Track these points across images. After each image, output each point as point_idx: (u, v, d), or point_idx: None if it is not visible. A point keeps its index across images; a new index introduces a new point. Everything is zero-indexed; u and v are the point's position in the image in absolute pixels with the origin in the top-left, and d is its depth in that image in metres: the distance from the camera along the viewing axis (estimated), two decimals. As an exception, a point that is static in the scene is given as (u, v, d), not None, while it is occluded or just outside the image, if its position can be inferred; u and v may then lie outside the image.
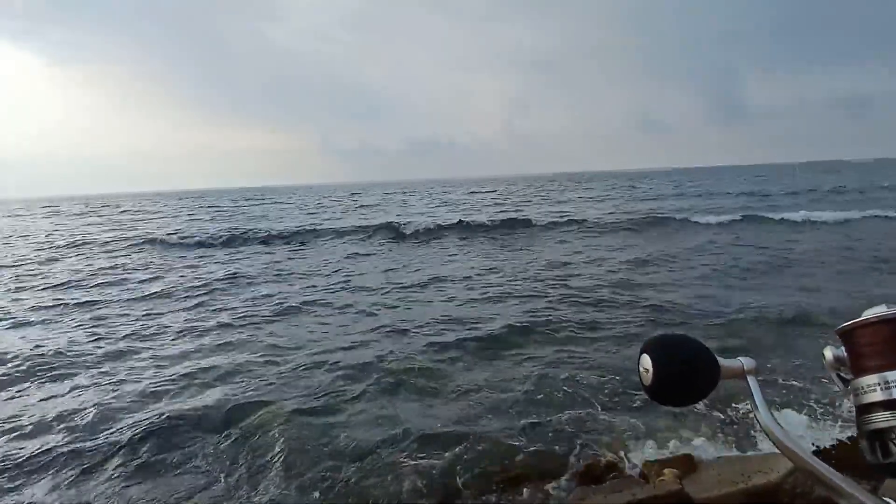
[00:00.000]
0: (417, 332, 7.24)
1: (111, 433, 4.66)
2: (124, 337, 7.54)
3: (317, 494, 3.70)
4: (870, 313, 0.49)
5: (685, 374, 0.44)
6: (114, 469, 4.15)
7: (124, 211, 42.63)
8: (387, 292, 9.85)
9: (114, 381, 5.87)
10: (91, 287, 11.52)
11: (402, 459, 4.04)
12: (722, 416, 4.29)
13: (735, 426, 4.16)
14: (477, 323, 7.52)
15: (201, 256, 15.86)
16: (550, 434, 4.32)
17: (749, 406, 0.47)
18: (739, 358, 0.44)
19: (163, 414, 4.89)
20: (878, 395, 0.47)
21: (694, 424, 4.21)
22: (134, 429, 4.67)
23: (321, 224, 23.27)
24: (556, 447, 4.10)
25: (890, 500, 0.40)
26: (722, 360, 0.45)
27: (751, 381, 0.44)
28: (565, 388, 5.13)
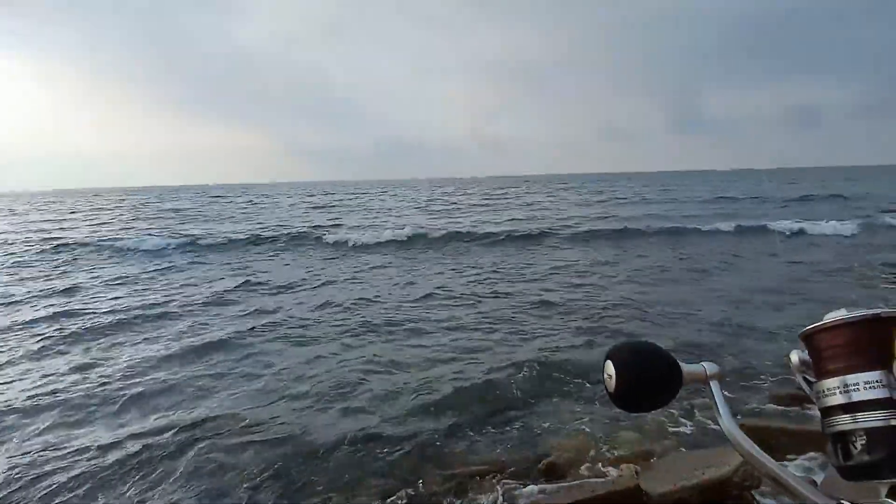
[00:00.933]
0: (375, 332, 7.19)
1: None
2: None
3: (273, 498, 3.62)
4: (830, 317, 0.49)
5: (648, 381, 0.44)
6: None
7: (73, 211, 39.97)
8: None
9: None
10: None
11: (355, 460, 4.01)
12: (677, 412, 4.42)
13: (691, 423, 4.30)
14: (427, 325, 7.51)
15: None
16: (512, 432, 4.36)
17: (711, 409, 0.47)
18: (702, 363, 0.45)
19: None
20: (838, 399, 0.48)
21: (652, 422, 4.33)
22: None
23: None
24: (518, 445, 4.14)
25: (845, 502, 0.41)
26: (684, 366, 0.45)
27: (713, 385, 0.44)
28: (525, 386, 5.19)
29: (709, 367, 0.44)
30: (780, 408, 4.49)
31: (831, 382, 0.48)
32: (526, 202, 35.77)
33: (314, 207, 35.75)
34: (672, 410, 4.46)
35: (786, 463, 3.60)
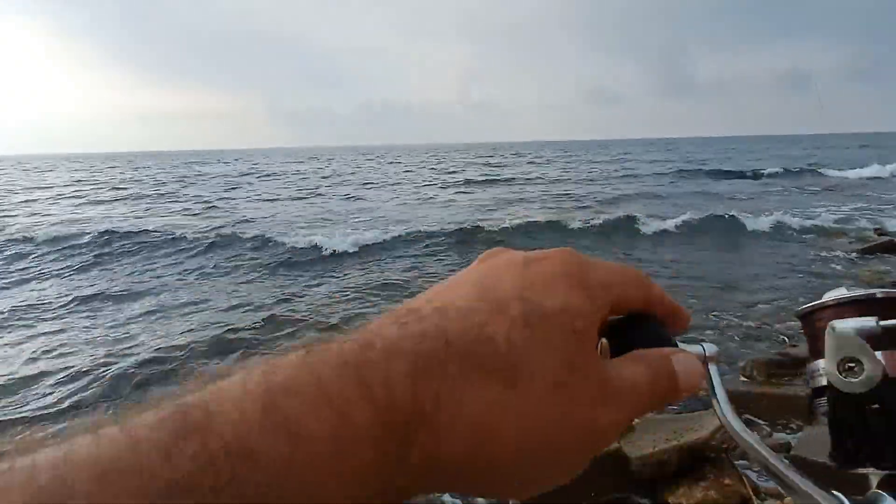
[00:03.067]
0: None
1: None
2: None
3: None
4: (829, 296, 0.48)
5: None
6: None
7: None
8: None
9: None
10: None
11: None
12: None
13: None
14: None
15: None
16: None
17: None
18: (702, 343, 0.42)
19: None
20: (824, 380, 0.46)
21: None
22: None
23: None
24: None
25: (839, 494, 0.39)
26: (682, 345, 0.43)
27: (711, 368, 0.42)
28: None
29: (708, 348, 0.42)
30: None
31: (823, 363, 0.46)
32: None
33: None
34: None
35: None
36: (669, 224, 11.89)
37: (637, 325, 0.37)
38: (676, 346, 0.39)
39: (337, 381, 0.25)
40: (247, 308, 7.03)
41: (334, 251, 10.35)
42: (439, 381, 0.26)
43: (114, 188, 27.19)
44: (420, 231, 11.89)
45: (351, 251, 10.40)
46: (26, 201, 22.39)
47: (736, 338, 5.54)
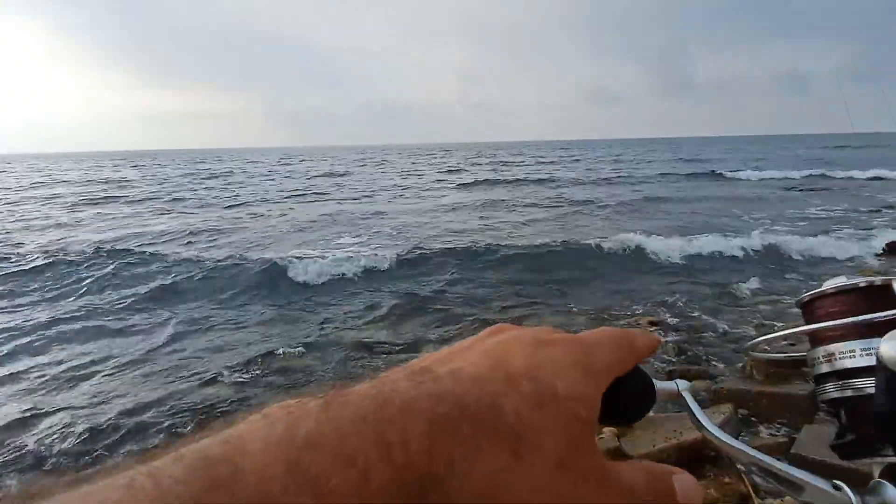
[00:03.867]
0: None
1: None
2: None
3: None
4: (829, 285, 0.49)
5: (626, 401, 0.43)
6: None
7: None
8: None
9: None
10: None
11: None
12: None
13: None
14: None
15: None
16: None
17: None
18: (675, 381, 0.45)
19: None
20: (825, 367, 0.48)
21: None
22: None
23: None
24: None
25: (842, 484, 0.40)
26: (658, 384, 0.45)
27: (687, 397, 0.44)
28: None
29: (681, 384, 0.44)
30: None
31: (826, 349, 0.48)
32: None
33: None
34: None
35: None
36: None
37: (622, 385, 0.39)
38: (654, 388, 0.41)
39: (356, 438, 0.25)
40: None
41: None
42: (453, 445, 0.26)
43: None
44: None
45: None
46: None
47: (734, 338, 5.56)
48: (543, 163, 42.12)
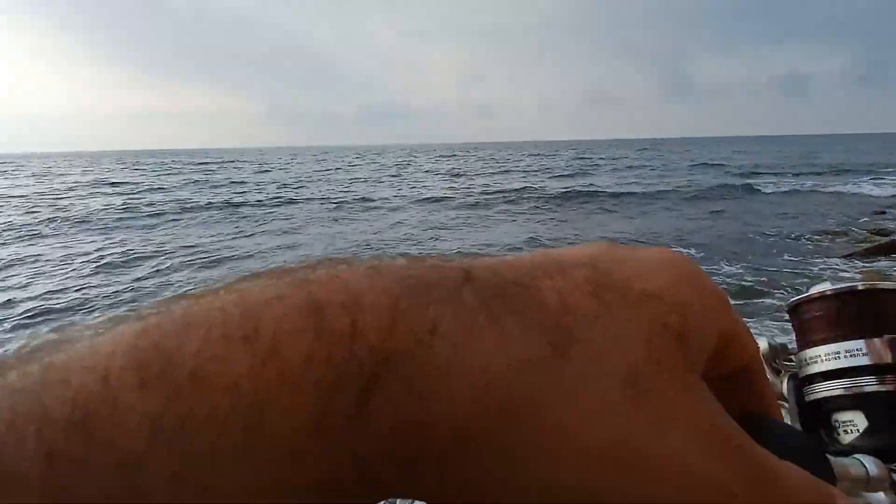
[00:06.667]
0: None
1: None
2: None
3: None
4: (815, 289, 0.52)
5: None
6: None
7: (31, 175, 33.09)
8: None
9: None
10: None
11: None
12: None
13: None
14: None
15: None
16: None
17: None
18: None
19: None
20: (819, 367, 0.51)
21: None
22: None
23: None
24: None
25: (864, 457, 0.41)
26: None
27: None
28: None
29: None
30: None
31: (814, 351, 0.51)
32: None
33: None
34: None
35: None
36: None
37: (762, 431, 0.23)
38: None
39: (267, 307, 0.16)
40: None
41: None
42: (442, 306, 0.17)
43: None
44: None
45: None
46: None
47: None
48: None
